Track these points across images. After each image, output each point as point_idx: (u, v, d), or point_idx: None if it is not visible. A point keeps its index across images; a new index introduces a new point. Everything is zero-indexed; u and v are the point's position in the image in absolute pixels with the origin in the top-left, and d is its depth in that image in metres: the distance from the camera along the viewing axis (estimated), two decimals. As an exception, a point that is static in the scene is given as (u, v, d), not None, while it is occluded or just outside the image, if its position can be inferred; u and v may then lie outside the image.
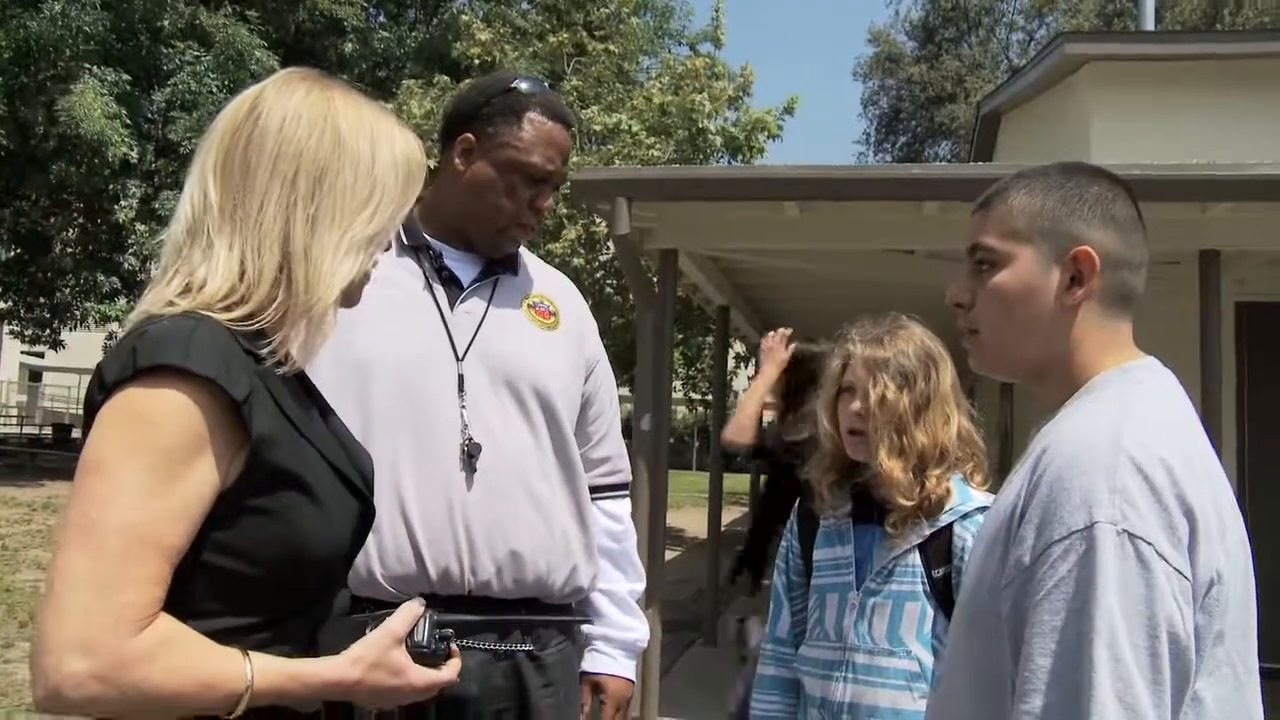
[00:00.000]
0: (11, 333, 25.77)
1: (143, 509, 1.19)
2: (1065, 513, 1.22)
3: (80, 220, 21.59)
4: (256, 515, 1.28)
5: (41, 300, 23.57)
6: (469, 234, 2.12)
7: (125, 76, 17.50)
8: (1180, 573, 1.20)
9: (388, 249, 1.46)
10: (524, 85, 2.12)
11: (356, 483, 1.42)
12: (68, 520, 1.19)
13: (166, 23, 18.08)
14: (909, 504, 2.29)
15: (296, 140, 1.35)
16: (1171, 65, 10.18)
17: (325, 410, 1.48)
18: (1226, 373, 6.72)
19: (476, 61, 14.22)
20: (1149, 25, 13.92)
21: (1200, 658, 1.23)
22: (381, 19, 22.81)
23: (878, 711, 2.23)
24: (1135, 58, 10.51)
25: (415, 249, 2.10)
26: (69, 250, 22.06)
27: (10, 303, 23.74)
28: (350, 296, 1.43)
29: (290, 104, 1.37)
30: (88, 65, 17.10)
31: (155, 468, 1.20)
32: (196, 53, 17.83)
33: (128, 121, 17.02)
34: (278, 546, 1.28)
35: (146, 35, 18.50)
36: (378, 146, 1.39)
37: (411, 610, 1.38)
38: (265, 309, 1.31)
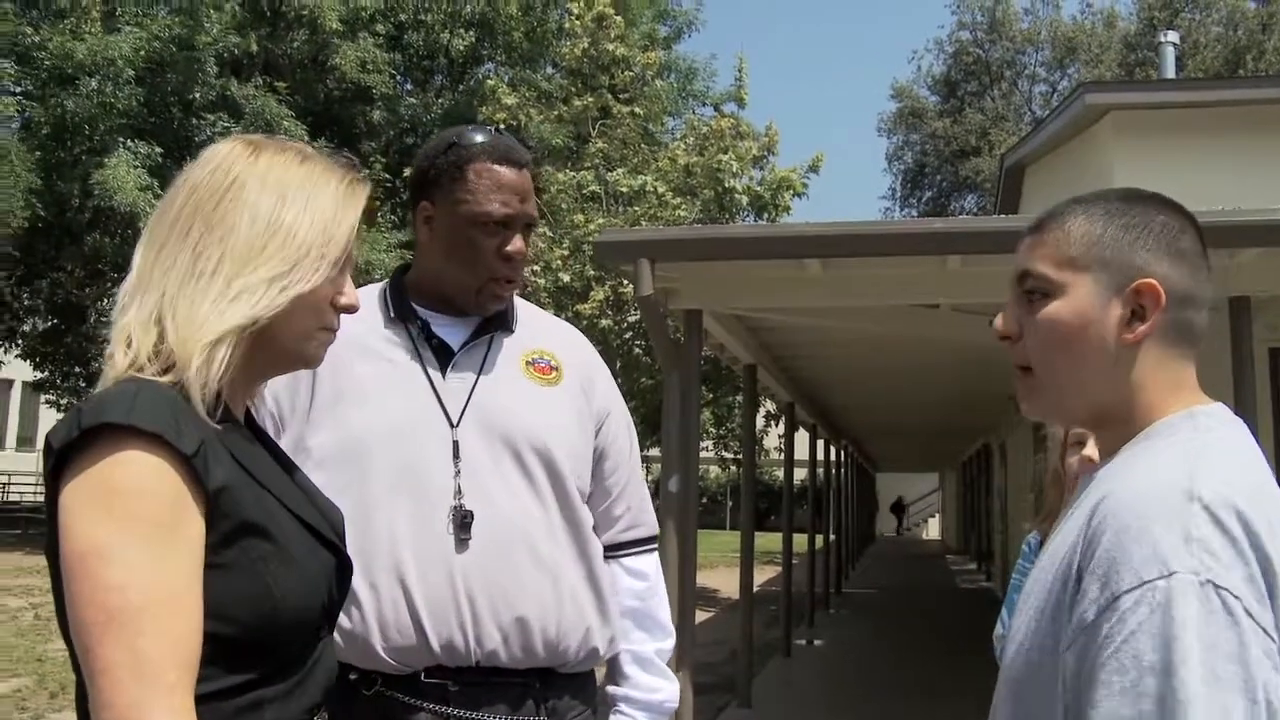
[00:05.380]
0: (47, 402, 26.06)
1: (158, 583, 1.17)
2: (1136, 563, 1.09)
3: (114, 290, 21.89)
4: (223, 571, 1.25)
5: (77, 370, 23.86)
6: (452, 299, 2.08)
7: (158, 149, 17.83)
8: (1267, 632, 1.07)
9: (351, 311, 1.45)
10: (464, 138, 2.07)
11: (327, 534, 1.40)
12: (84, 618, 1.16)
13: (198, 95, 18.43)
14: None
15: (195, 200, 1.36)
16: (1194, 112, 10.19)
17: (289, 466, 1.47)
18: (1262, 419, 6.63)
19: (502, 126, 14.33)
20: (1170, 73, 13.95)
21: None
22: (409, 86, 23.16)
23: None
24: (1157, 106, 10.53)
25: (403, 320, 2.07)
26: (103, 320, 22.36)
27: (47, 372, 24.03)
28: (302, 354, 1.42)
29: (205, 168, 1.39)
30: (121, 139, 17.45)
31: (152, 537, 1.18)
32: (227, 124, 18.14)
33: (160, 193, 17.26)
34: (249, 603, 1.26)
35: (179, 108, 18.87)
36: (290, 198, 1.38)
37: None
38: (183, 367, 1.29)
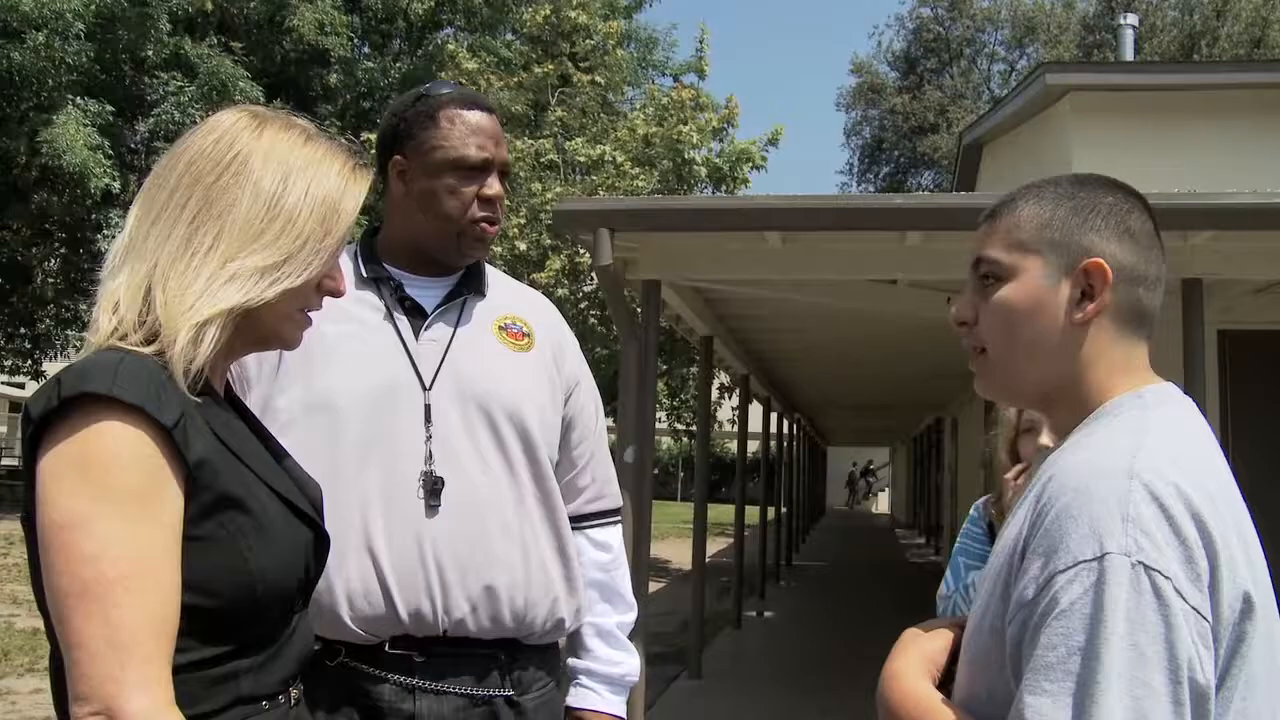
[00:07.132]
0: (-8, 364, 25.62)
1: (133, 555, 1.16)
2: (1073, 542, 1.11)
3: (62, 250, 21.52)
4: (202, 544, 1.24)
5: (23, 330, 23.44)
6: (430, 252, 2.05)
7: (108, 107, 17.47)
8: (1199, 612, 1.09)
9: (336, 295, 1.43)
10: (432, 89, 2.07)
11: (305, 509, 1.40)
12: (59, 588, 1.15)
13: (150, 53, 18.05)
14: None
15: (196, 170, 1.34)
16: (1151, 95, 10.28)
17: (268, 440, 1.46)
18: (1210, 400, 6.73)
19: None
20: (1128, 56, 14.07)
21: (1226, 710, 1.12)
22: (366, 49, 22.83)
23: None
24: (1115, 88, 10.60)
25: (375, 281, 2.03)
26: (50, 280, 21.97)
27: (-10, 333, 23.61)
28: (280, 336, 1.41)
29: (209, 137, 1.36)
30: (71, 96, 17.07)
31: (129, 509, 1.17)
32: (180, 83, 17.80)
33: (110, 152, 16.97)
34: (227, 576, 1.25)
35: (130, 66, 18.49)
36: (292, 181, 1.36)
37: None
38: (169, 341, 1.28)
